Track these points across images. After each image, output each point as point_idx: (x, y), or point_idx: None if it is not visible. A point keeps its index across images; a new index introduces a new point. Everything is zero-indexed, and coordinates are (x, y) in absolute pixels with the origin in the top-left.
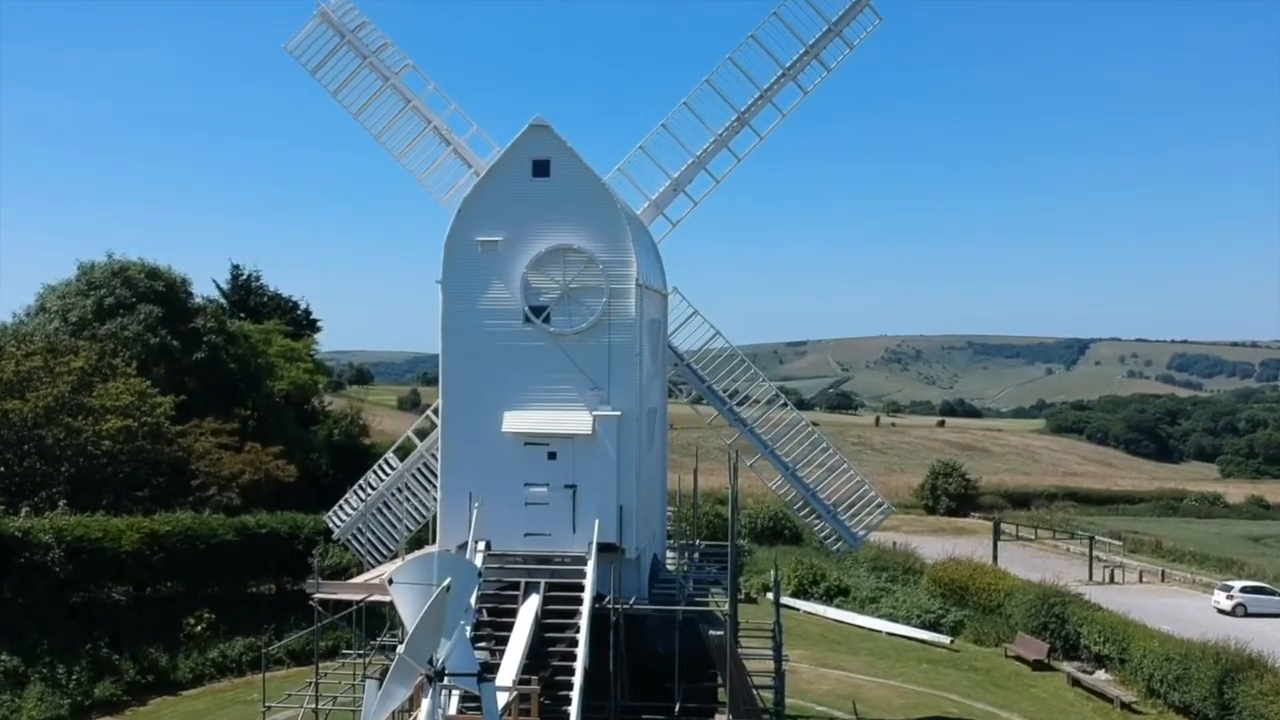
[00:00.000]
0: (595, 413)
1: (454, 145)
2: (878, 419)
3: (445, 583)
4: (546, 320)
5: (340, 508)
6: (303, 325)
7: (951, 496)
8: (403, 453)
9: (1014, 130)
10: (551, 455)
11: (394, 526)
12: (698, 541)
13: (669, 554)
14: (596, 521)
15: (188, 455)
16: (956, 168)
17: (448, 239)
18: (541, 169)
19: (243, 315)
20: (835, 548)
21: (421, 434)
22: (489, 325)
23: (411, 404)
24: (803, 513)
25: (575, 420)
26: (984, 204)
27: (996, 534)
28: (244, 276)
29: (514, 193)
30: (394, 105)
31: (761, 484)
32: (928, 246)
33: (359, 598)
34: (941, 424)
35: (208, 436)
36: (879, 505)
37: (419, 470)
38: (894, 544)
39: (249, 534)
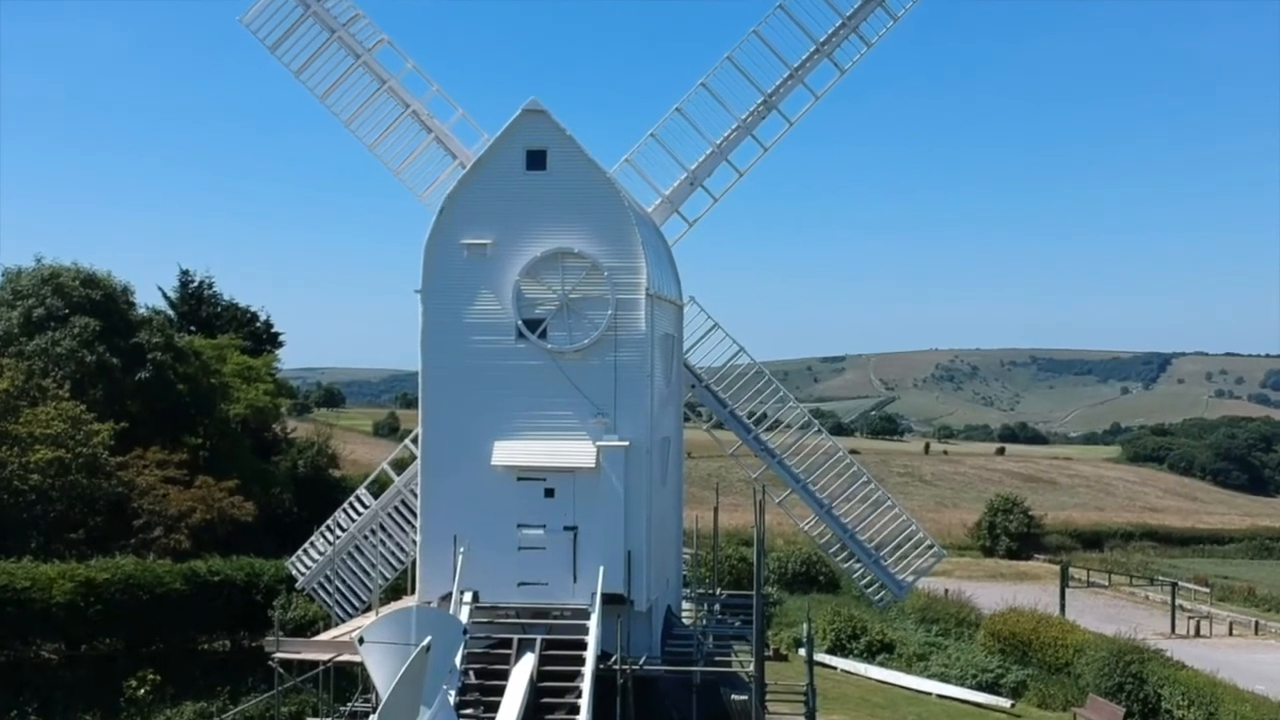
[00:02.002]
0: (599, 443)
1: (436, 133)
2: (927, 446)
3: (425, 642)
4: (543, 336)
5: (305, 552)
6: (262, 340)
7: (1012, 536)
8: (378, 488)
9: (1088, 110)
10: (549, 492)
11: (367, 574)
12: (718, 590)
13: (685, 605)
14: (601, 569)
15: (129, 491)
16: (1019, 155)
17: (428, 241)
18: (537, 160)
19: (193, 329)
20: (878, 597)
21: (399, 466)
22: (476, 342)
23: (389, 429)
24: (839, 557)
25: (576, 451)
26: (1051, 198)
27: (1064, 580)
28: (194, 284)
29: (505, 188)
30: (367, 87)
31: (792, 523)
32: (985, 247)
33: (326, 657)
34: (1001, 451)
35: (152, 469)
36: (929, 548)
37: (396, 509)
38: (946, 592)
39: (200, 583)
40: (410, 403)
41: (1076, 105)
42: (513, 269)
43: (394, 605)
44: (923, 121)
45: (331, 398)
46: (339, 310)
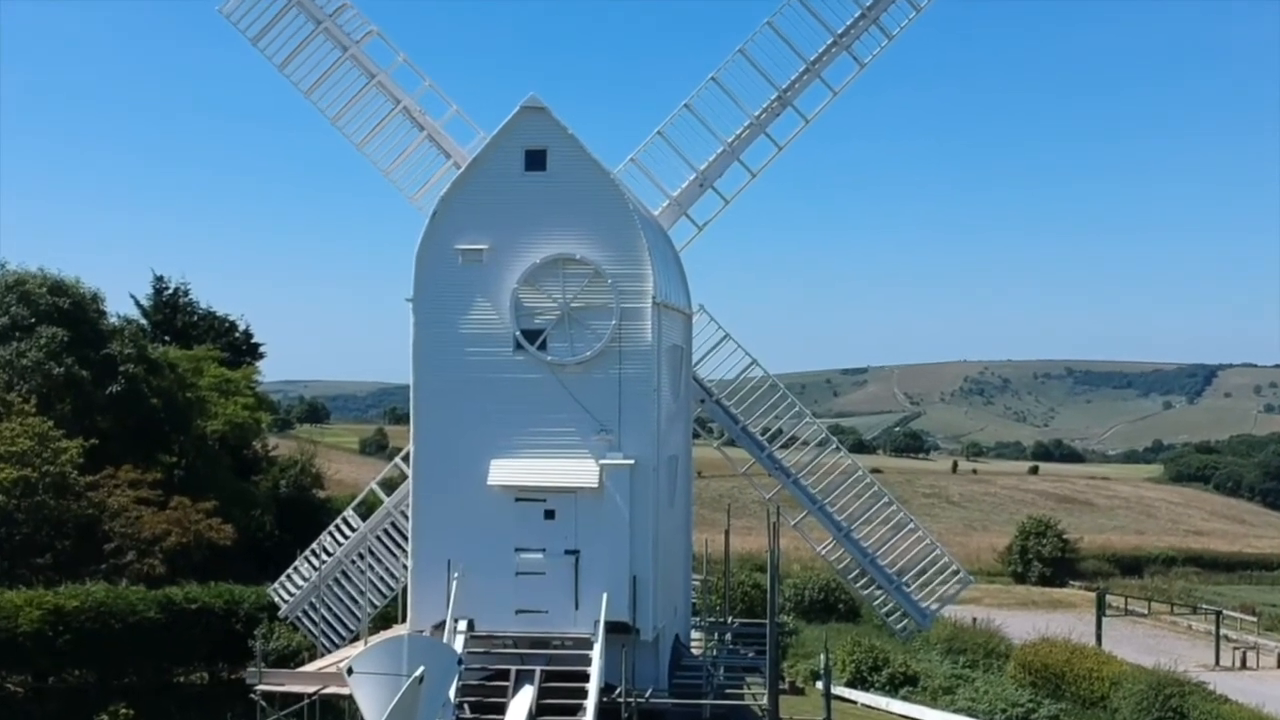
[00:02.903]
0: (603, 461)
1: (428, 130)
2: (955, 464)
3: (418, 672)
4: (543, 347)
5: (288, 578)
6: (242, 351)
7: (1045, 561)
8: (365, 509)
9: (1128, 102)
10: (549, 514)
11: (354, 602)
12: (730, 619)
13: (694, 635)
14: (604, 595)
15: (99, 513)
16: (1052, 152)
17: (420, 247)
18: (536, 160)
19: (167, 339)
20: (900, 626)
21: (389, 486)
22: (472, 353)
23: (377, 447)
24: (859, 583)
25: (578, 470)
26: (1089, 198)
27: (1100, 608)
28: (169, 290)
29: (502, 190)
30: (354, 81)
31: (809, 547)
32: (1018, 251)
33: (311, 690)
34: (1034, 471)
35: (124, 489)
36: (955, 574)
37: (385, 531)
38: (974, 621)
39: (176, 611)
40: (400, 418)
41: (1115, 96)
42: (510, 276)
43: (384, 634)
44: (948, 116)
45: (315, 413)
46: (322, 320)
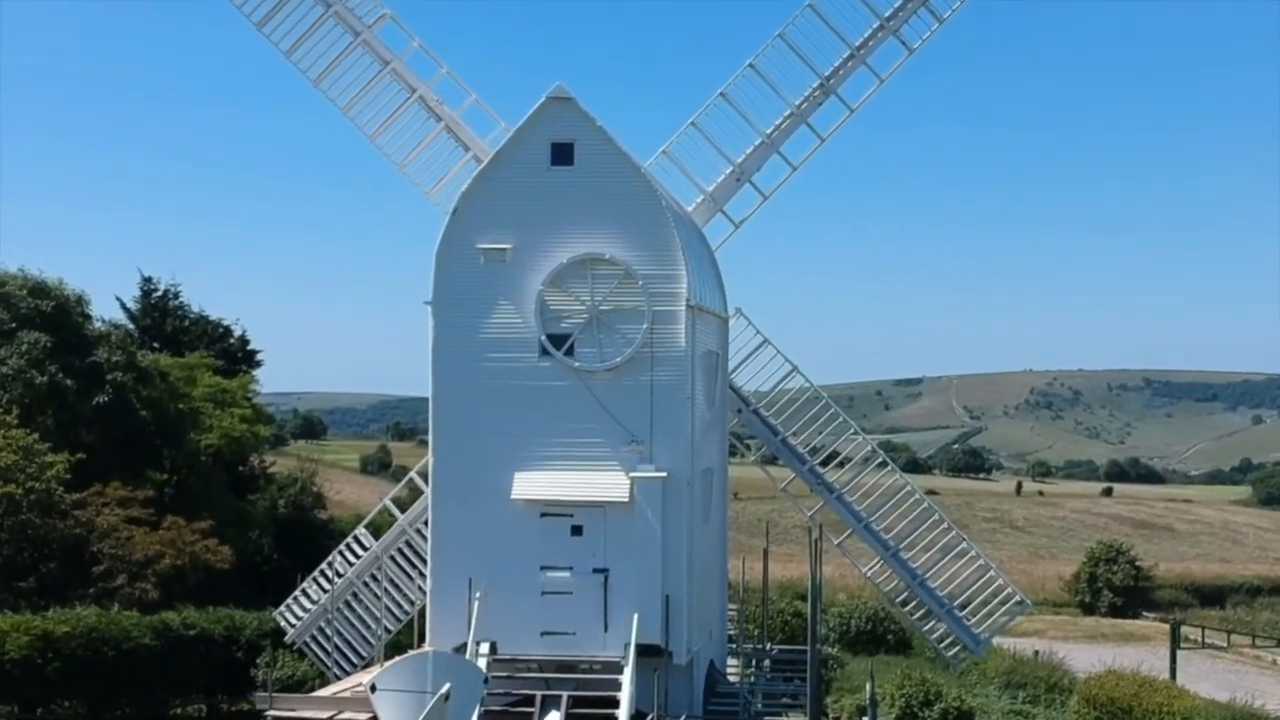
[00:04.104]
0: (634, 474)
1: (446, 121)
2: (1019, 486)
3: (444, 688)
4: (570, 353)
5: (295, 601)
6: (237, 358)
7: (1116, 590)
8: (375, 529)
9: (1215, 84)
10: (576, 530)
11: (367, 625)
12: (769, 645)
13: (730, 661)
14: (635, 616)
15: (87, 533)
16: (1132, 138)
17: (440, 246)
18: (563, 154)
19: (156, 345)
20: (951, 653)
21: (401, 505)
22: (494, 359)
23: (379, 466)
24: (907, 607)
25: (607, 484)
26: (1169, 190)
27: (1175, 639)
28: (158, 292)
29: (527, 186)
30: (367, 68)
31: (856, 573)
32: (1090, 249)
33: (326, 716)
34: (1108, 492)
35: (113, 508)
36: (1013, 600)
37: (400, 550)
38: (1035, 653)
39: (173, 637)
40: (404, 434)
41: (1205, 77)
42: (535, 277)
43: (408, 654)
44: (1012, 100)
45: (311, 427)
46: (318, 326)
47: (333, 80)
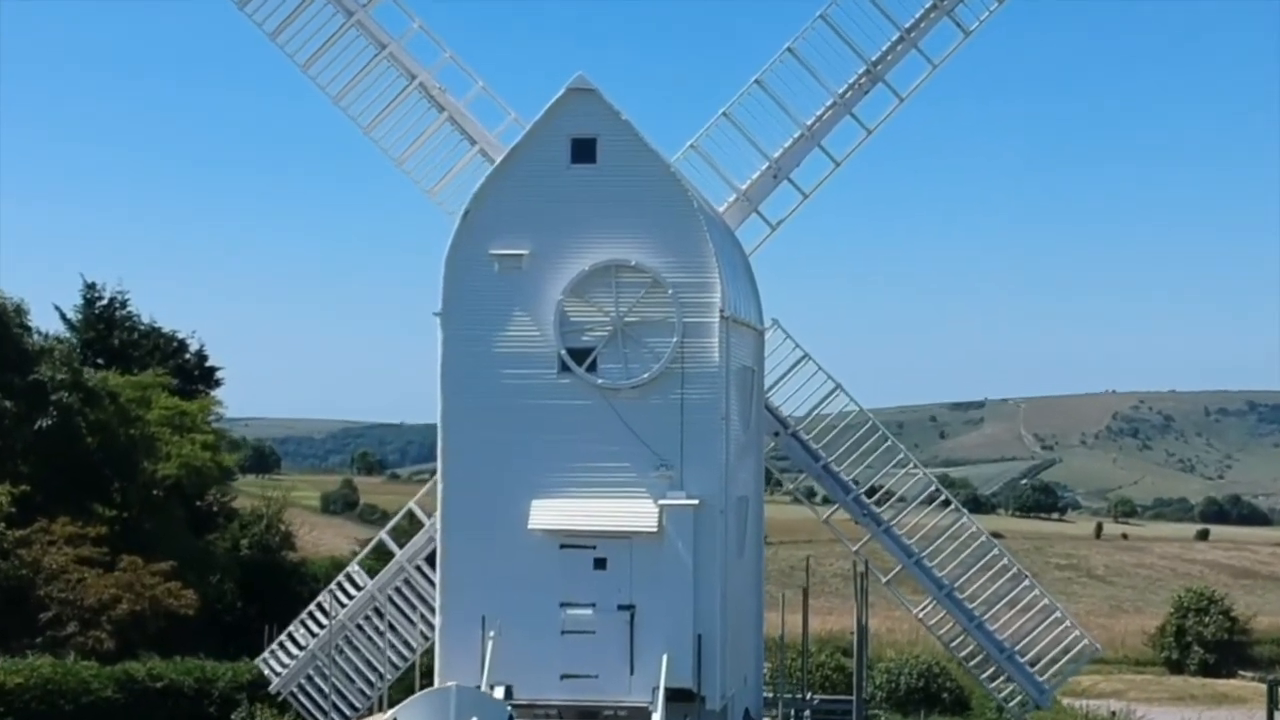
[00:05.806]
0: (662, 501)
1: (449, 111)
2: (1100, 528)
3: None
4: (592, 369)
5: (281, 646)
6: (193, 377)
7: (1208, 646)
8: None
9: None
10: (599, 563)
11: (360, 672)
12: (810, 695)
13: (768, 712)
14: (665, 657)
15: (33, 574)
16: (1231, 125)
17: (449, 252)
18: (584, 151)
19: (101, 360)
20: (1012, 704)
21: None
22: (509, 376)
23: (344, 504)
24: (962, 653)
25: (633, 512)
26: (1270, 185)
27: (1273, 700)
28: (103, 301)
29: (545, 185)
30: (361, 51)
31: (905, 627)
32: (1181, 254)
33: None
34: (1203, 535)
35: (61, 546)
36: (1083, 646)
37: (398, 589)
38: (1113, 715)
39: (137, 690)
40: (371, 468)
41: None
42: (554, 286)
43: (429, 690)
44: (1090, 87)
45: (262, 459)
46: (270, 342)
47: (323, 65)
